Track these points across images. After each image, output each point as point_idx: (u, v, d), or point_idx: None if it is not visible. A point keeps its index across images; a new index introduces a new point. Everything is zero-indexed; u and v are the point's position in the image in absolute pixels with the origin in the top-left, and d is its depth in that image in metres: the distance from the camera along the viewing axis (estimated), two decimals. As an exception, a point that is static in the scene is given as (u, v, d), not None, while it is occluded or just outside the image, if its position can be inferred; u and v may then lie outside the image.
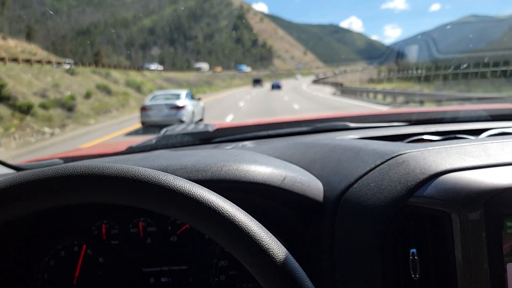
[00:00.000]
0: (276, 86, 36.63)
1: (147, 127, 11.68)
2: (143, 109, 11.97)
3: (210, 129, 1.48)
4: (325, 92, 33.41)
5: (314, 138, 1.25)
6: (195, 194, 0.49)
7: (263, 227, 0.49)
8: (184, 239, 0.97)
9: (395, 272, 0.69)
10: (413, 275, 0.66)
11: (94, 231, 0.97)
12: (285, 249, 0.49)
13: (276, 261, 0.47)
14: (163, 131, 1.52)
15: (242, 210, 0.50)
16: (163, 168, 0.84)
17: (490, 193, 0.64)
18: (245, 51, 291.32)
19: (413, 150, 0.80)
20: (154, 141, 1.41)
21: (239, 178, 0.83)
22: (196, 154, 0.97)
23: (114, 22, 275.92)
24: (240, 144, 1.32)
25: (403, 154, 0.79)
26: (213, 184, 0.78)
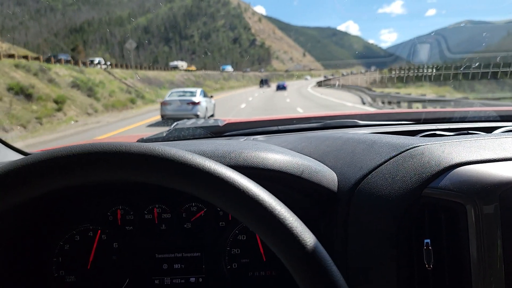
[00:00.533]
0: (281, 87, 37.05)
1: (166, 119, 13.05)
2: (163, 103, 13.42)
3: (220, 123, 1.48)
4: (354, 101, 22.29)
5: (324, 133, 1.24)
6: (225, 174, 0.50)
7: (292, 213, 0.49)
8: (198, 226, 0.98)
9: (409, 262, 0.68)
10: (427, 265, 0.66)
11: (110, 217, 0.98)
12: (314, 236, 0.48)
13: (305, 246, 0.47)
14: (173, 125, 1.51)
15: (273, 196, 0.50)
16: None
17: (506, 186, 0.63)
18: (242, 51, 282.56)
19: (428, 143, 0.79)
20: (165, 134, 1.41)
21: (256, 165, 0.83)
22: (212, 143, 0.97)
23: (108, 21, 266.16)
24: (252, 137, 1.31)
25: (418, 146, 0.79)
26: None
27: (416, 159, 0.75)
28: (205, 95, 14.02)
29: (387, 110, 1.83)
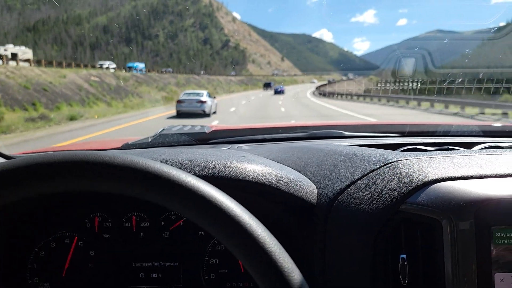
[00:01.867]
0: (279, 91, 38.42)
1: (181, 114, 16.55)
2: (178, 102, 17.19)
3: (207, 130, 1.51)
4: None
5: (308, 144, 1.27)
6: (198, 187, 0.49)
7: (262, 225, 0.50)
8: (177, 235, 0.98)
9: (384, 277, 0.70)
10: (402, 281, 0.67)
11: (87, 224, 0.98)
12: (282, 247, 0.49)
13: (272, 258, 0.47)
14: (160, 130, 1.54)
15: (243, 207, 0.51)
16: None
17: (481, 203, 0.66)
18: (214, 53, 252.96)
19: (406, 158, 0.82)
20: (150, 139, 1.43)
21: (235, 176, 0.84)
22: (193, 152, 0.99)
23: (65, 19, 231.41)
24: (236, 146, 1.35)
25: (396, 161, 0.81)
26: (209, 180, 0.77)
27: (394, 174, 0.77)
28: (210, 96, 17.76)
29: (372, 121, 2.26)
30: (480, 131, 1.42)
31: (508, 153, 0.84)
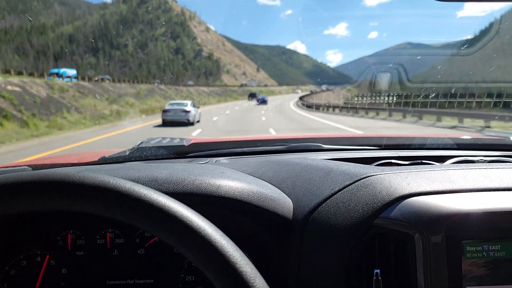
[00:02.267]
0: (262, 101, 41.55)
1: (166, 123, 17.69)
2: (164, 111, 18.32)
3: (186, 143, 1.51)
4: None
5: (287, 157, 1.31)
6: (160, 203, 0.50)
7: (229, 240, 0.50)
8: (152, 252, 0.98)
9: None
10: None
11: (59, 241, 0.97)
12: (251, 263, 0.49)
13: (240, 274, 0.47)
14: (138, 143, 1.54)
15: (209, 221, 0.51)
16: (134, 180, 0.85)
17: (452, 217, 0.67)
18: (186, 63, 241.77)
19: (380, 173, 0.84)
20: (127, 153, 1.43)
21: (210, 193, 0.85)
22: (168, 167, 0.99)
23: (29, 29, 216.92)
24: (215, 159, 1.36)
25: (370, 176, 0.84)
26: (184, 197, 0.79)
27: (368, 189, 0.79)
28: (194, 106, 19.10)
29: (350, 134, 2.48)
30: (454, 144, 1.47)
31: (478, 167, 0.87)
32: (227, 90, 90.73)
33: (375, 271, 0.69)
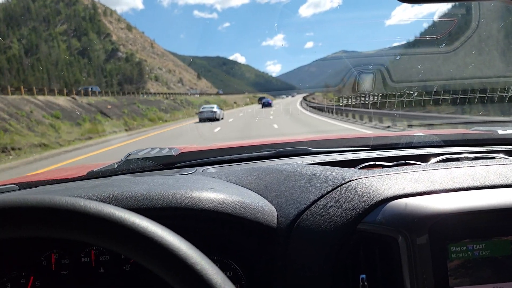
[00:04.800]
0: (267, 104, 41.50)
1: (201, 119, 25.23)
2: (199, 112, 26.81)
3: (174, 153, 1.56)
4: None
5: (273, 164, 1.36)
6: (117, 218, 0.48)
7: (197, 250, 0.50)
8: (139, 267, 0.99)
9: None
10: None
11: (43, 262, 0.97)
12: (222, 274, 0.49)
13: (207, 280, 0.46)
14: (125, 155, 1.58)
15: (177, 235, 0.50)
16: (112, 197, 0.87)
17: (435, 218, 0.68)
18: (95, 66, 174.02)
19: (362, 176, 0.87)
20: (115, 166, 1.48)
21: (190, 206, 0.87)
22: (149, 182, 1.03)
23: None
24: (202, 169, 1.40)
25: (353, 180, 0.86)
26: (164, 212, 0.81)
27: (351, 193, 0.81)
28: (219, 108, 28.11)
29: (336, 135, 1.77)
30: (441, 141, 1.49)
31: (462, 166, 0.89)
32: (151, 101, 53.92)
33: (361, 276, 0.70)
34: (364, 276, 0.69)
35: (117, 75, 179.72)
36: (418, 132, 1.68)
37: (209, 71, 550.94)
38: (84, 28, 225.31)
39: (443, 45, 2.03)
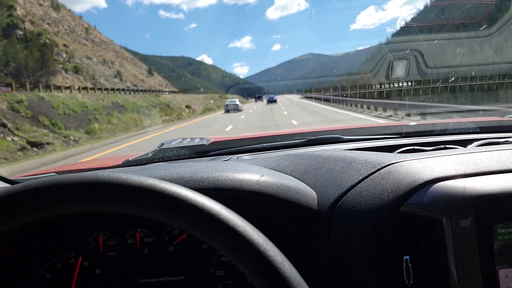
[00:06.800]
0: (272, 100, 41.65)
1: (226, 111, 31.84)
2: (226, 105, 33.81)
3: (206, 142, 1.61)
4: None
5: (307, 150, 1.40)
6: (193, 200, 0.51)
7: (262, 234, 0.52)
8: (181, 249, 1.05)
9: (389, 279, 0.76)
10: (407, 282, 0.72)
11: (91, 243, 1.04)
12: (283, 255, 0.51)
13: (274, 267, 0.48)
14: (159, 144, 1.64)
15: (241, 217, 0.53)
16: (160, 178, 0.91)
17: (480, 200, 0.70)
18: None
19: (404, 160, 0.89)
20: (150, 155, 1.52)
21: (235, 187, 0.91)
22: (192, 166, 1.09)
23: None
24: (236, 156, 1.45)
25: (394, 163, 0.88)
26: (210, 193, 0.83)
27: (392, 176, 0.83)
28: (240, 102, 34.74)
29: (369, 124, 2.54)
30: (477, 128, 1.49)
31: (503, 148, 0.91)
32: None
33: (405, 257, 0.71)
34: (407, 257, 0.70)
35: (9, 62, 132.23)
36: (453, 120, 1.70)
37: (173, 71, 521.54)
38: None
39: (483, 27, 1.96)
